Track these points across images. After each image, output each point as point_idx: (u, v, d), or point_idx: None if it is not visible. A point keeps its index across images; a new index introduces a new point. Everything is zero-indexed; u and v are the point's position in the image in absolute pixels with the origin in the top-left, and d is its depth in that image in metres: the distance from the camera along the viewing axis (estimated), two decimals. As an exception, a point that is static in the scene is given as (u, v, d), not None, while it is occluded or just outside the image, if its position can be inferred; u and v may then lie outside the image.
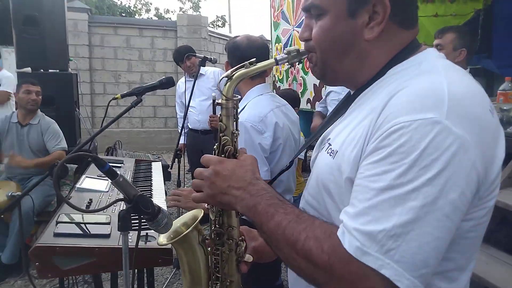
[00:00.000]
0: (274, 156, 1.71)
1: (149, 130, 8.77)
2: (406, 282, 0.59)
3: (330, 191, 0.79)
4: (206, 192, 0.83)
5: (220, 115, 0.90)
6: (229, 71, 0.89)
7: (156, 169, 2.46)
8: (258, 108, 1.68)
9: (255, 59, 0.90)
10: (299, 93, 5.41)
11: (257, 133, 1.63)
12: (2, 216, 3.14)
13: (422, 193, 0.60)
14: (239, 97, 0.91)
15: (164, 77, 1.83)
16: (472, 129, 0.63)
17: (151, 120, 8.77)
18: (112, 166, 2.14)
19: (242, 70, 0.88)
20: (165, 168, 3.01)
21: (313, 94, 5.17)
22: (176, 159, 3.10)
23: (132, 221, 1.01)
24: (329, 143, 0.82)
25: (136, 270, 1.64)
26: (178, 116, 4.18)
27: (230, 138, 0.89)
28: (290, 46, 5.73)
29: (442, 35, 2.43)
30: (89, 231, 1.30)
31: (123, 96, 1.77)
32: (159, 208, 0.94)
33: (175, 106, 4.31)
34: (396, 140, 0.63)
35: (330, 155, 0.79)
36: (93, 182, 1.83)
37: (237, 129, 0.91)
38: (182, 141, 3.64)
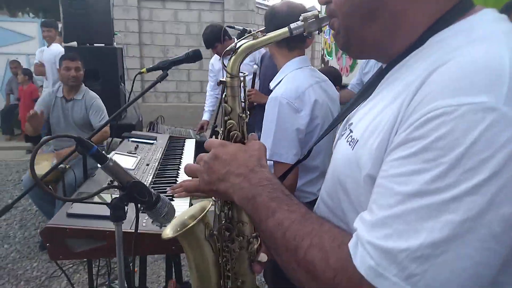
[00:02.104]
0: (311, 137, 1.56)
1: (196, 104, 8.84)
2: None
3: (346, 189, 0.64)
4: (201, 179, 0.72)
5: (225, 95, 0.78)
6: (233, 44, 0.75)
7: (189, 146, 2.39)
8: (296, 83, 1.53)
9: (265, 28, 0.76)
10: (349, 67, 5.09)
11: (293, 111, 1.49)
12: (50, 186, 3.30)
13: (465, 203, 0.45)
14: (246, 73, 0.78)
15: (191, 50, 1.73)
16: None
17: (198, 95, 8.83)
18: (143, 142, 2.11)
19: (250, 42, 0.75)
20: (202, 144, 2.95)
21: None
22: (213, 136, 3.03)
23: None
24: (350, 129, 0.67)
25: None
26: (208, 95, 4.13)
27: (236, 122, 0.77)
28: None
29: (510, 12, 1.99)
30: (103, 213, 1.24)
31: (148, 70, 1.71)
32: (158, 196, 0.84)
33: (222, 80, 4.25)
34: (433, 130, 0.47)
35: (350, 144, 0.64)
36: (121, 159, 1.79)
37: (244, 112, 0.78)
38: (206, 117, 3.85)
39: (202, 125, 3.87)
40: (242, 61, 0.77)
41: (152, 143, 2.25)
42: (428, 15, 0.60)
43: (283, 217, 0.59)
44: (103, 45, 4.10)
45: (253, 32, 0.78)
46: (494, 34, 0.53)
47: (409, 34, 0.62)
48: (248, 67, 3.70)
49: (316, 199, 1.74)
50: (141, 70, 1.71)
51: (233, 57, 0.76)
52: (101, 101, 3.47)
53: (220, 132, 0.82)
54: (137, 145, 2.14)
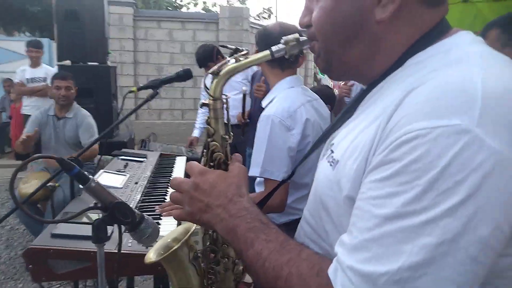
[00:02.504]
0: (302, 155, 1.56)
1: (190, 122, 8.84)
2: None
3: (328, 209, 0.64)
4: (185, 210, 0.72)
5: (208, 117, 0.78)
6: (215, 66, 0.75)
7: (179, 164, 2.38)
8: (288, 102, 1.54)
9: (247, 51, 0.77)
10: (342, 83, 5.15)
11: (285, 130, 1.50)
12: (39, 205, 3.26)
13: (440, 226, 0.45)
14: (229, 96, 0.78)
15: (181, 69, 1.74)
16: None
17: (191, 112, 8.85)
18: (133, 160, 2.09)
19: (232, 65, 0.75)
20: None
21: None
22: (204, 150, 3.03)
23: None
24: (331, 150, 0.66)
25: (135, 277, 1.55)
26: (199, 112, 4.13)
27: (220, 143, 0.77)
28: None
29: (486, 34, 2.02)
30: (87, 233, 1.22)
31: (139, 89, 1.72)
32: (142, 216, 0.83)
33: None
34: (407, 153, 0.47)
35: (331, 165, 0.63)
36: (109, 178, 1.78)
37: (227, 134, 0.78)
38: (196, 134, 3.85)
39: (191, 141, 3.85)
40: (224, 83, 0.78)
41: (142, 161, 2.24)
42: (406, 38, 0.61)
43: (261, 247, 0.60)
44: (96, 63, 4.13)
45: (235, 55, 0.79)
46: (469, 57, 0.54)
47: (388, 57, 0.63)
48: (241, 84, 3.74)
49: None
50: (132, 89, 1.71)
51: (215, 80, 0.76)
52: (92, 119, 3.47)
53: (204, 153, 0.82)
54: (127, 163, 2.14)
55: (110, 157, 3.63)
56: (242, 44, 8.50)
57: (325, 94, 2.77)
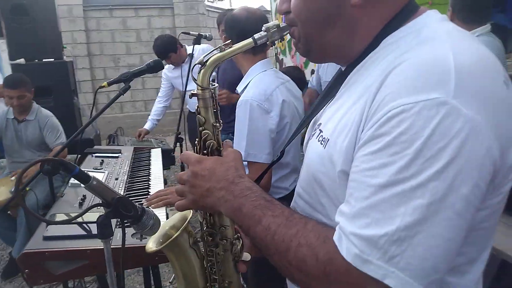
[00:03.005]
0: (281, 135, 1.63)
1: (154, 112, 8.70)
2: None
3: (322, 185, 0.70)
4: (188, 198, 0.75)
5: (198, 107, 0.81)
6: (202, 57, 0.78)
7: (155, 156, 2.38)
8: (263, 86, 1.59)
9: (230, 40, 0.80)
10: (303, 64, 5.23)
11: (263, 113, 1.55)
12: (9, 212, 3.14)
13: (429, 189, 0.51)
14: (216, 85, 0.81)
15: (151, 60, 1.74)
16: (485, 108, 0.52)
17: (153, 102, 8.68)
18: (109, 156, 2.08)
19: (217, 54, 0.78)
20: (168, 153, 2.94)
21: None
22: (178, 143, 3.03)
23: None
24: (320, 129, 0.72)
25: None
26: (156, 102, 4.03)
27: (211, 131, 0.80)
28: (290, 15, 5.50)
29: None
30: (86, 230, 1.23)
31: (109, 83, 1.70)
32: (143, 209, 0.86)
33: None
34: (395, 127, 0.53)
35: (321, 143, 0.69)
36: (88, 176, 1.76)
37: (218, 122, 0.81)
38: (147, 127, 3.75)
39: (139, 132, 3.67)
40: (211, 73, 0.81)
41: (117, 157, 2.22)
42: (380, 19, 0.67)
43: (269, 222, 0.64)
44: (52, 60, 3.94)
45: (219, 46, 0.82)
46: (438, 35, 0.60)
47: (364, 38, 0.68)
48: None
49: (288, 194, 1.78)
50: (102, 84, 1.70)
51: (202, 70, 0.79)
52: (56, 119, 3.35)
53: (196, 142, 0.85)
54: (102, 160, 2.11)
55: (75, 155, 3.55)
56: (200, 28, 8.36)
57: (294, 76, 2.80)
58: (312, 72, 5.07)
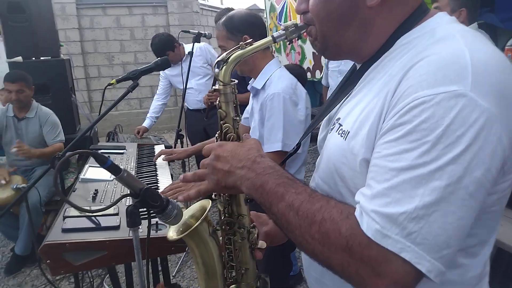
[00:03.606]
0: (306, 126, 1.71)
1: (148, 110, 8.67)
2: (427, 264, 0.56)
3: (343, 175, 0.74)
4: (210, 180, 0.78)
5: (219, 101, 0.85)
6: (224, 54, 0.83)
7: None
8: (288, 80, 1.67)
9: (252, 39, 0.85)
10: (299, 62, 5.29)
11: (294, 105, 1.64)
12: (12, 209, 3.15)
13: (447, 172, 0.56)
14: (236, 81, 0.86)
15: (159, 58, 1.77)
16: (499, 100, 0.58)
17: (149, 100, 8.62)
18: (115, 153, 2.11)
19: (239, 51, 0.83)
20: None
21: (313, 63, 5.05)
22: (179, 140, 3.06)
23: (141, 212, 0.98)
24: (339, 124, 0.77)
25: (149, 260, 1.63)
26: (154, 99, 4.04)
27: (231, 125, 0.85)
28: (285, 14, 5.55)
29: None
30: (98, 223, 1.28)
31: (118, 81, 1.72)
32: (168, 199, 0.90)
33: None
34: (417, 116, 0.58)
35: (342, 136, 0.74)
36: (97, 172, 1.80)
37: (237, 115, 0.86)
38: (146, 124, 3.81)
39: (138, 130, 3.70)
40: (233, 69, 0.85)
41: (122, 153, 2.25)
42: (393, 20, 0.72)
43: (293, 199, 0.66)
44: (49, 58, 3.94)
45: (240, 43, 0.86)
46: (452, 34, 0.65)
47: (379, 38, 0.73)
48: (202, 69, 3.76)
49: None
50: (111, 82, 1.72)
51: (224, 67, 0.83)
52: (55, 116, 3.37)
53: (217, 135, 0.89)
54: (109, 156, 2.13)
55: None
56: (194, 26, 8.36)
57: (297, 72, 2.87)
58: (307, 70, 5.13)
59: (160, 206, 0.87)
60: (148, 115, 3.97)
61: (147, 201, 0.85)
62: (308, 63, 5.15)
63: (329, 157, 0.79)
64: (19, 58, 3.67)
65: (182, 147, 3.14)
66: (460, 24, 0.70)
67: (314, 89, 5.64)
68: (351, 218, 0.62)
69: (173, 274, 2.89)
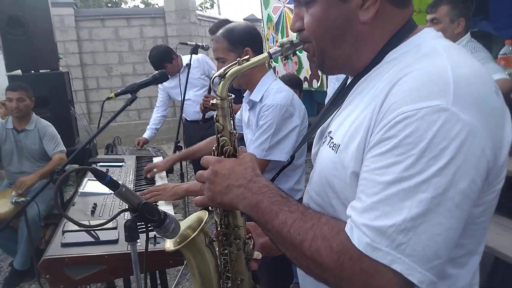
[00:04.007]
0: (299, 137, 1.73)
1: (147, 121, 8.62)
2: (418, 275, 0.58)
3: (334, 187, 0.76)
4: (207, 194, 0.80)
5: (216, 115, 0.87)
6: (221, 70, 0.85)
7: (158, 164, 2.42)
8: (284, 92, 1.70)
9: (248, 56, 0.87)
10: (296, 71, 5.33)
11: (289, 116, 1.66)
12: (10, 223, 3.15)
13: (432, 184, 0.57)
14: (233, 96, 0.87)
15: (157, 71, 1.80)
16: (480, 113, 0.60)
17: (148, 111, 8.70)
18: (113, 166, 2.13)
19: (236, 67, 0.85)
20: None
21: (310, 72, 5.09)
22: (177, 151, 3.08)
23: (139, 226, 0.99)
24: (330, 137, 0.79)
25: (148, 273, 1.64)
26: (154, 111, 4.08)
27: (228, 138, 0.87)
28: (282, 24, 5.60)
29: (436, 9, 2.29)
30: (97, 237, 1.28)
31: (117, 95, 1.75)
32: (165, 213, 0.91)
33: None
34: (401, 130, 0.60)
35: (333, 149, 0.76)
36: (96, 185, 1.80)
37: (234, 129, 0.88)
38: (146, 136, 3.79)
39: (138, 141, 3.68)
40: (230, 84, 0.87)
41: (121, 166, 2.26)
42: (384, 35, 0.75)
43: (286, 217, 0.68)
44: (48, 70, 3.97)
45: (238, 59, 0.88)
46: (437, 50, 0.68)
47: (370, 51, 0.76)
48: (200, 81, 3.79)
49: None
50: (109, 96, 1.75)
51: (221, 82, 0.85)
52: (54, 129, 3.38)
53: (214, 148, 0.91)
54: (107, 169, 2.15)
55: (76, 165, 3.57)
56: (192, 37, 8.44)
57: (294, 81, 3.01)
58: (304, 79, 5.18)
59: (158, 220, 0.88)
60: (148, 126, 3.98)
61: (145, 215, 0.86)
62: (305, 73, 5.19)
63: (321, 170, 0.81)
64: (18, 72, 3.70)
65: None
66: (445, 40, 0.73)
67: (312, 98, 5.67)
68: (341, 234, 0.63)
69: None
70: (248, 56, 0.86)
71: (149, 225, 0.90)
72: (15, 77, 3.69)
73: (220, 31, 1.75)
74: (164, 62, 3.52)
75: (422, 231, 0.58)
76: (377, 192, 0.60)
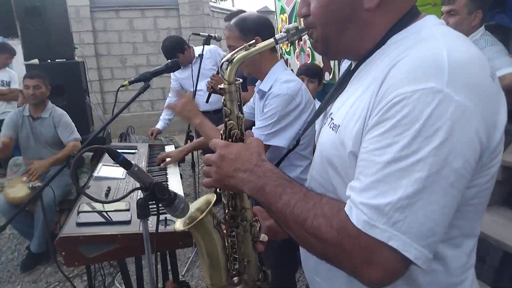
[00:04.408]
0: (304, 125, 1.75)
1: (160, 112, 8.71)
2: (414, 251, 0.60)
3: (334, 166, 0.78)
4: (214, 177, 0.84)
5: (224, 100, 0.90)
6: (229, 55, 0.87)
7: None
8: (294, 82, 1.73)
9: (254, 40, 0.89)
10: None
11: (295, 106, 1.69)
12: (27, 208, 3.25)
13: (427, 163, 0.60)
14: (240, 80, 0.90)
15: (170, 60, 1.83)
16: (474, 96, 0.62)
17: (161, 102, 8.78)
18: (126, 153, 2.18)
19: (243, 52, 0.87)
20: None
21: (322, 64, 5.07)
22: (189, 141, 3.12)
23: (151, 207, 1.03)
24: (331, 118, 0.81)
25: (158, 253, 1.69)
26: (167, 101, 4.11)
27: (235, 122, 0.90)
28: (295, 16, 5.58)
29: (454, 0, 2.25)
30: (110, 219, 1.33)
31: (130, 82, 1.78)
32: (175, 193, 0.95)
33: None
34: (398, 112, 0.62)
35: (333, 129, 0.78)
36: (110, 170, 1.86)
37: (241, 113, 0.90)
38: (159, 126, 3.86)
39: (152, 132, 3.77)
40: (237, 69, 0.90)
41: (134, 153, 2.32)
42: (387, 22, 0.76)
43: (289, 198, 0.72)
44: (64, 60, 4.05)
45: (245, 45, 0.90)
46: (434, 35, 0.69)
47: (374, 37, 0.78)
48: (212, 71, 3.82)
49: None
50: (123, 83, 1.78)
51: (229, 67, 0.88)
52: (68, 117, 3.46)
53: (221, 131, 0.94)
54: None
55: (91, 153, 3.65)
56: (205, 29, 8.46)
57: (314, 70, 3.03)
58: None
59: (168, 199, 0.92)
60: (161, 117, 4.05)
61: (156, 194, 0.90)
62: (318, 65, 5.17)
63: (322, 150, 0.84)
64: (35, 61, 3.79)
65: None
66: (445, 26, 0.74)
67: (323, 90, 5.65)
68: (341, 213, 0.66)
69: (182, 274, 2.95)
70: (254, 41, 0.88)
71: (159, 204, 0.94)
72: (32, 66, 3.78)
73: (233, 20, 1.79)
74: (176, 52, 3.56)
75: (418, 209, 0.60)
76: (375, 172, 0.63)
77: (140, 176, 0.89)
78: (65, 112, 3.45)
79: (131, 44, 8.53)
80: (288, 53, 6.18)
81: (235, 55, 0.88)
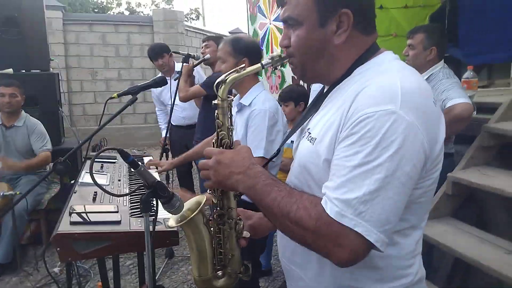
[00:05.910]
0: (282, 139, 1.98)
1: (129, 126, 8.75)
2: (374, 236, 0.77)
3: (310, 172, 0.95)
4: (213, 179, 0.98)
5: (217, 113, 1.05)
6: (222, 76, 1.04)
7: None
8: (272, 101, 1.99)
9: (244, 65, 1.06)
10: (278, 85, 5.58)
11: (274, 122, 1.94)
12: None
13: (385, 167, 0.77)
14: (232, 98, 1.06)
15: (158, 76, 1.98)
16: (420, 116, 0.80)
17: (130, 116, 8.76)
18: (108, 162, 2.27)
19: (234, 75, 1.04)
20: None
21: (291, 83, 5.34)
22: (164, 153, 3.23)
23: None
24: (309, 132, 0.98)
25: (136, 259, 1.78)
26: (157, 113, 4.32)
27: (226, 133, 1.05)
28: (267, 39, 5.86)
29: (413, 35, 2.52)
30: (101, 219, 1.43)
31: (119, 95, 1.90)
32: (173, 193, 1.09)
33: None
34: (363, 127, 0.79)
35: (310, 141, 0.95)
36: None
37: (231, 125, 1.06)
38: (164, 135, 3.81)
39: (168, 142, 3.75)
40: (229, 88, 1.06)
41: (114, 162, 2.40)
42: (353, 55, 0.95)
43: (276, 195, 0.86)
44: (39, 71, 4.06)
45: (236, 68, 1.07)
46: (390, 69, 0.89)
47: (342, 67, 0.96)
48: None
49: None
50: (112, 96, 1.90)
51: (223, 86, 1.05)
52: (43, 127, 3.48)
53: (214, 141, 1.09)
54: (102, 165, 2.29)
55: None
56: (179, 47, 8.61)
57: (299, 92, 2.96)
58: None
59: (167, 197, 1.06)
60: (162, 126, 4.24)
61: (157, 192, 1.03)
62: (288, 87, 5.43)
63: (300, 159, 1.00)
64: (10, 70, 3.78)
65: (167, 160, 3.30)
66: (399, 62, 0.95)
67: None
68: (318, 206, 0.82)
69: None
70: (244, 65, 1.06)
71: (159, 201, 1.07)
72: (6, 75, 3.76)
73: (230, 36, 2.06)
74: (164, 52, 3.82)
75: (377, 203, 0.77)
76: (345, 174, 0.80)
77: (145, 176, 1.03)
78: (39, 122, 3.46)
79: (103, 58, 8.52)
80: (259, 74, 6.44)
81: (228, 77, 1.04)
